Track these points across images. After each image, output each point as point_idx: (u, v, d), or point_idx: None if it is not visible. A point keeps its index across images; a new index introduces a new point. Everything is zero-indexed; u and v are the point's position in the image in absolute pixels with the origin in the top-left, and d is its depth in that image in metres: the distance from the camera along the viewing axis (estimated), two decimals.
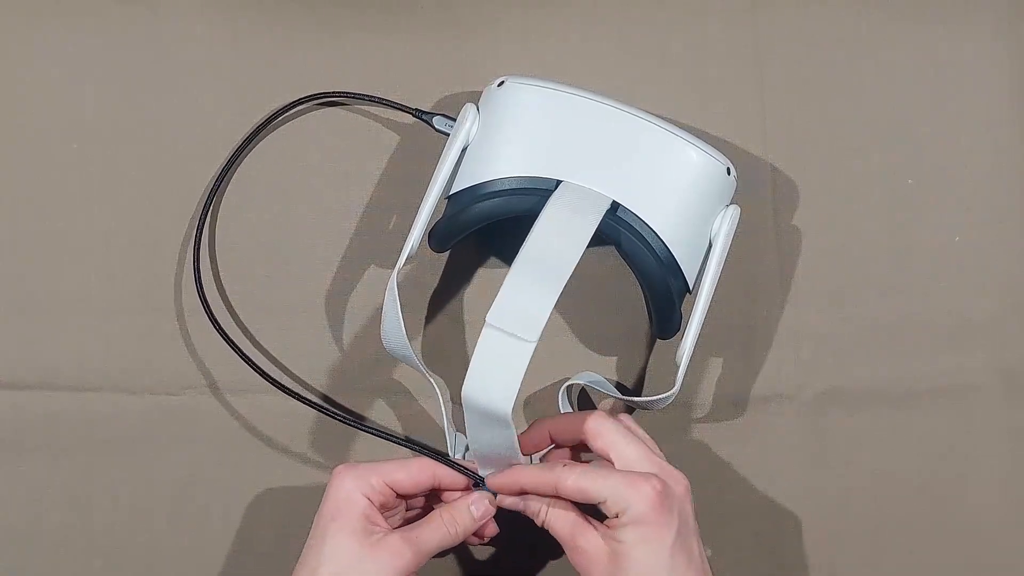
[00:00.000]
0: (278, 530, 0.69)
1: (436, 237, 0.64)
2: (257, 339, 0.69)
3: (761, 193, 0.70)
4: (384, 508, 0.59)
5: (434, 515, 0.60)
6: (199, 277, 0.67)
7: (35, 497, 0.68)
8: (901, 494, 0.69)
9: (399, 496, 0.60)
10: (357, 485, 0.58)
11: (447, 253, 0.69)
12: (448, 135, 0.66)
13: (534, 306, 0.55)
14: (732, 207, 0.63)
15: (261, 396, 0.69)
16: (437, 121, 0.67)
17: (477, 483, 0.61)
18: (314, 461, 0.69)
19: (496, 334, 0.55)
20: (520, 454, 0.59)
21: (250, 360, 0.65)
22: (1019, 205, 0.71)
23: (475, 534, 0.61)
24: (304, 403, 0.65)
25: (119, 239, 0.70)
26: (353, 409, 0.69)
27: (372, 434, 0.65)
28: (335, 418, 0.65)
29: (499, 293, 0.56)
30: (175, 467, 0.69)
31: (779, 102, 0.71)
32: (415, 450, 0.64)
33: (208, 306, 0.66)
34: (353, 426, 0.66)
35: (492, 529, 0.62)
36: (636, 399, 0.66)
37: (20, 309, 0.69)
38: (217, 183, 0.69)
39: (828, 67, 0.72)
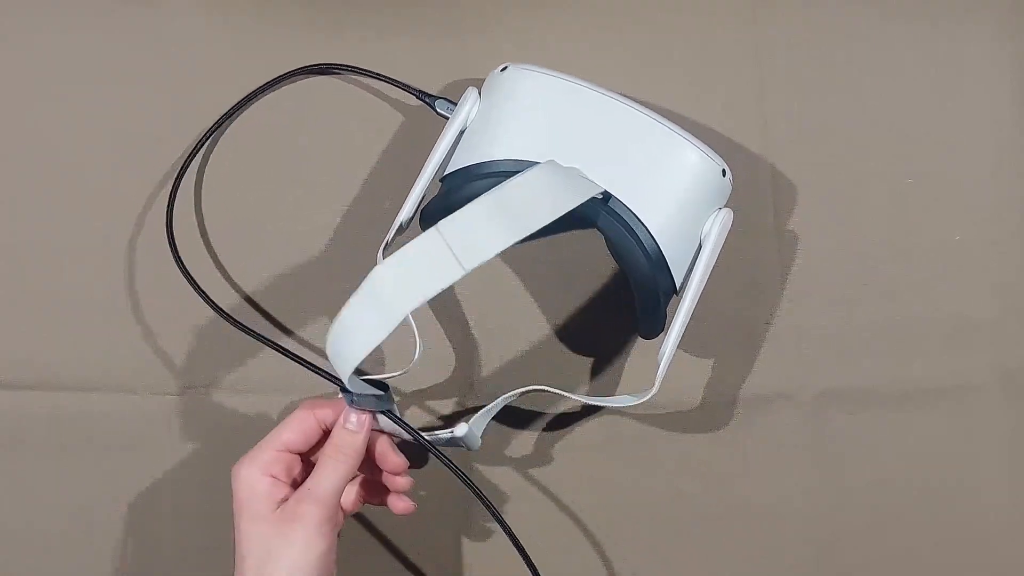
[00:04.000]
0: None
1: (427, 216, 0.64)
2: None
3: (761, 192, 0.70)
4: (292, 474, 0.59)
5: (318, 456, 0.59)
6: (175, 247, 0.67)
7: (35, 497, 0.69)
8: (901, 494, 0.69)
9: (303, 454, 0.60)
10: (251, 470, 0.58)
11: None
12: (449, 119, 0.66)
13: (485, 241, 0.54)
14: (725, 210, 0.63)
15: (261, 396, 0.69)
16: (439, 104, 0.67)
17: (345, 392, 0.59)
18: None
19: (439, 243, 0.54)
20: (356, 363, 0.55)
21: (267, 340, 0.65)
22: (1019, 205, 0.71)
23: (392, 473, 0.61)
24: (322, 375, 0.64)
25: (119, 239, 0.70)
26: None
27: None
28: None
29: (461, 210, 0.55)
30: (175, 467, 0.69)
31: (779, 102, 0.71)
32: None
33: (205, 293, 0.66)
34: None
35: (397, 460, 0.61)
36: (605, 401, 0.65)
37: (20, 309, 0.69)
38: (188, 160, 0.69)
39: (828, 66, 0.72)
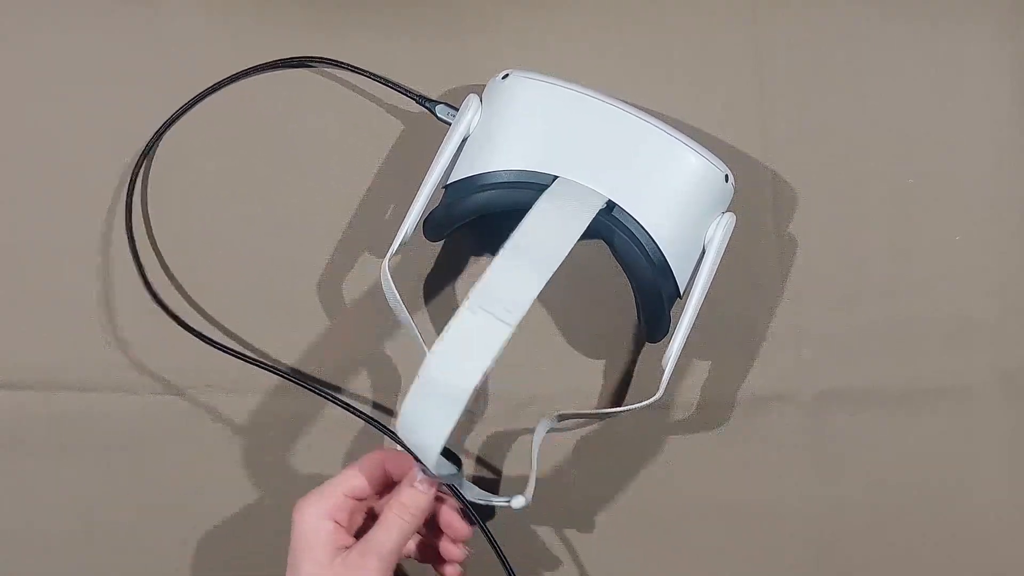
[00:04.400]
0: (278, 529, 0.68)
1: (431, 226, 0.64)
2: (246, 332, 0.69)
3: (761, 192, 0.70)
4: (353, 520, 0.60)
5: (384, 511, 0.60)
6: (140, 266, 0.67)
7: (35, 497, 0.68)
8: (901, 494, 0.69)
9: (365, 499, 0.61)
10: (318, 511, 0.58)
11: (441, 243, 0.69)
12: (450, 124, 0.65)
13: (519, 291, 0.55)
14: (728, 214, 0.63)
15: (261, 396, 0.69)
16: (440, 110, 0.67)
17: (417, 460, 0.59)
18: (315, 460, 0.69)
19: (477, 311, 0.54)
20: (437, 452, 0.56)
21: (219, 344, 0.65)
22: (1019, 205, 0.71)
23: (452, 539, 0.62)
24: (327, 398, 0.65)
25: (119, 239, 0.70)
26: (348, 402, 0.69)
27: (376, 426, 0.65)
28: (350, 411, 0.64)
29: (484, 273, 0.55)
30: (175, 467, 0.69)
31: (779, 102, 0.71)
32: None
33: (157, 297, 0.66)
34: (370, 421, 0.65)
35: (462, 528, 0.62)
36: (617, 410, 0.65)
37: (20, 309, 0.69)
38: (149, 147, 0.69)
39: (828, 67, 0.72)
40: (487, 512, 0.65)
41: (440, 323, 0.69)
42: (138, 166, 0.69)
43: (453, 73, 0.70)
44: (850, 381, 0.70)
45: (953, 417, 0.70)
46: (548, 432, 0.65)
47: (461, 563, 0.63)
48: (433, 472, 0.58)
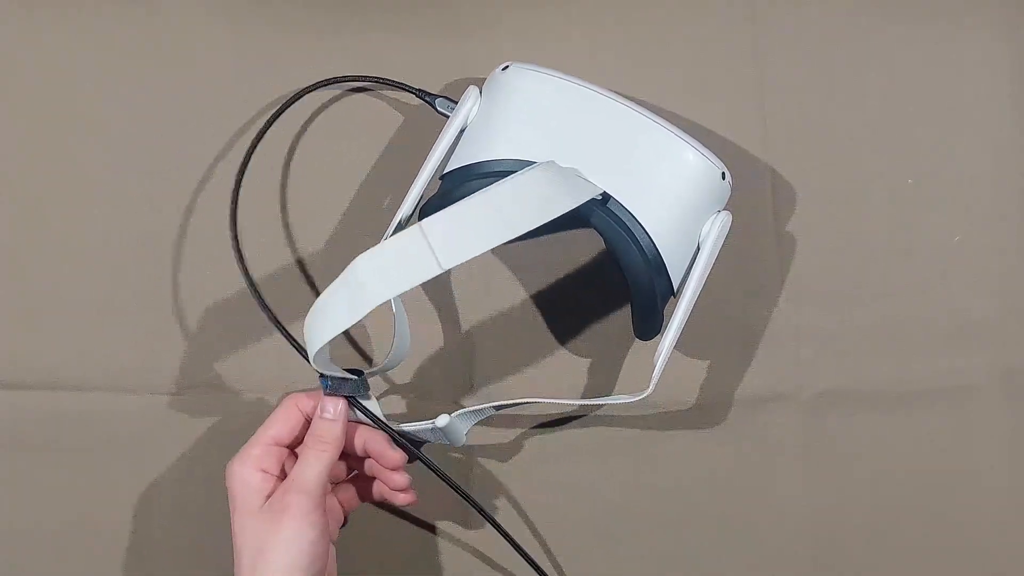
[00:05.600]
0: None
1: (426, 214, 0.64)
2: (244, 326, 0.69)
3: (761, 192, 0.70)
4: (282, 468, 0.60)
5: (301, 448, 0.60)
6: (243, 264, 0.67)
7: (35, 497, 0.69)
8: (901, 494, 0.69)
9: (291, 446, 0.61)
10: (244, 466, 0.59)
11: None
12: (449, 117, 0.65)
13: (469, 240, 0.54)
14: (724, 213, 0.63)
15: (261, 396, 0.69)
16: (440, 103, 0.67)
17: (322, 378, 0.60)
18: None
19: (420, 239, 0.54)
20: (321, 343, 0.56)
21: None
22: (1019, 205, 0.71)
23: (389, 468, 0.62)
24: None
25: (119, 238, 0.70)
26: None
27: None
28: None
29: (447, 209, 0.55)
30: (175, 467, 0.69)
31: (779, 102, 0.71)
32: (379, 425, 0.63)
33: (261, 297, 0.65)
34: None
35: (392, 455, 0.62)
36: (605, 401, 0.65)
37: (20, 309, 0.69)
38: (240, 173, 0.68)
39: (828, 67, 0.72)
40: (418, 443, 0.64)
41: (436, 310, 0.70)
42: (238, 183, 0.68)
43: (452, 72, 0.70)
44: (849, 381, 0.70)
45: (953, 417, 0.70)
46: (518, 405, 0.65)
47: (408, 490, 0.63)
48: (312, 364, 0.57)
